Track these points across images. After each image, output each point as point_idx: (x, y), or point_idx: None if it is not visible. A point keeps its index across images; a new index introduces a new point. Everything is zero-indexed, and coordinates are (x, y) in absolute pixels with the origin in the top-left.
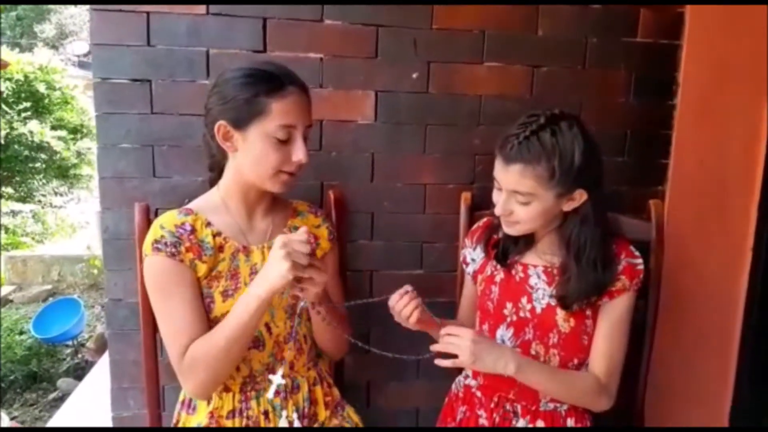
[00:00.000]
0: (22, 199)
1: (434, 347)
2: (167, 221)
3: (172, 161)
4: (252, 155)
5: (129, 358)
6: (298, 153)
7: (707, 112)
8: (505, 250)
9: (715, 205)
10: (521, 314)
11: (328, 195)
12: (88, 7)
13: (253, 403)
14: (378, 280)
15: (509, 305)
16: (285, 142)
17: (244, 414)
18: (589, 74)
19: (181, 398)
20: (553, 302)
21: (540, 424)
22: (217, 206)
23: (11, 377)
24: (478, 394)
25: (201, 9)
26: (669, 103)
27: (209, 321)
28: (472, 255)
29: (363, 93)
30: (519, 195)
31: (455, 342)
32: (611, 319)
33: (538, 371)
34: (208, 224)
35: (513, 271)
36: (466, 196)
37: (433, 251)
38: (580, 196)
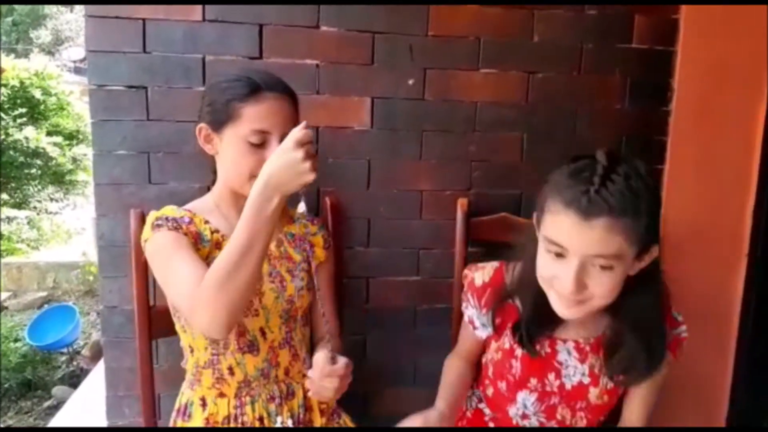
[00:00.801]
0: (18, 206)
1: None
2: (166, 211)
3: (167, 168)
4: (228, 158)
5: (124, 366)
6: None
7: (702, 117)
8: (530, 332)
9: (711, 210)
10: (548, 389)
11: (324, 201)
12: (83, 13)
13: (248, 409)
14: (374, 287)
15: (533, 380)
16: (261, 147)
17: (239, 420)
18: (585, 80)
19: (176, 406)
20: (586, 380)
21: None
22: (211, 209)
23: (6, 385)
24: (491, 424)
25: (197, 15)
26: (664, 108)
27: None
28: (482, 320)
29: (359, 99)
30: (601, 259)
31: None
32: (650, 384)
33: None
34: (206, 222)
35: (537, 346)
36: (462, 202)
37: (430, 258)
38: (652, 254)
